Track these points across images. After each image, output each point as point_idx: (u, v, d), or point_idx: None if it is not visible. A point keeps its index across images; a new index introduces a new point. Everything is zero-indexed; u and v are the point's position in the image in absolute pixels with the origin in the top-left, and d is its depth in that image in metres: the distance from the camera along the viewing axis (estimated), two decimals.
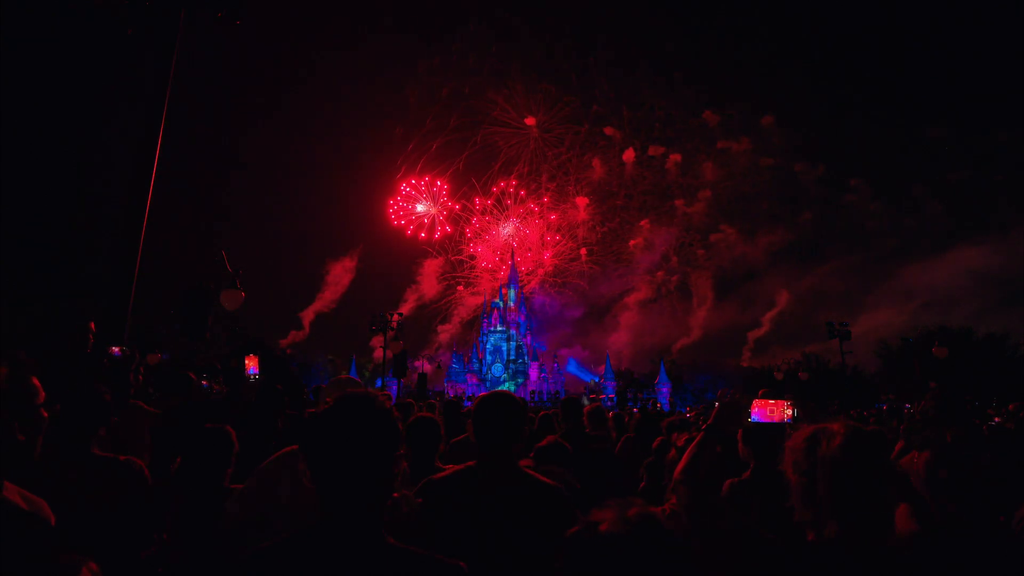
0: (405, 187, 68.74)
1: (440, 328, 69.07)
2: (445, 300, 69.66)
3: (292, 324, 65.92)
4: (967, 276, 59.94)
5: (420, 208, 68.57)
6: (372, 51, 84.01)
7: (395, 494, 1.51)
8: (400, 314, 27.84)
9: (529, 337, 63.63)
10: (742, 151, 69.99)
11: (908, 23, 67.29)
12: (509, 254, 68.03)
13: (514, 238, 69.90)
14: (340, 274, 68.68)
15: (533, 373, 60.59)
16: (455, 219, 70.07)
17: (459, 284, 69.81)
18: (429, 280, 69.75)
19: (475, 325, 66.24)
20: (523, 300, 65.99)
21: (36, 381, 1.33)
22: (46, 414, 1.33)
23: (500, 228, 70.05)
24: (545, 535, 2.22)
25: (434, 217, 69.13)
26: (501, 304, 64.46)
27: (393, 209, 68.56)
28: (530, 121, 70.98)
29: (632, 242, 71.54)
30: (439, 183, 68.89)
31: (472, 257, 70.52)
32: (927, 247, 68.96)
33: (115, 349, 3.78)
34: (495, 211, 70.06)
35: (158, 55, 7.04)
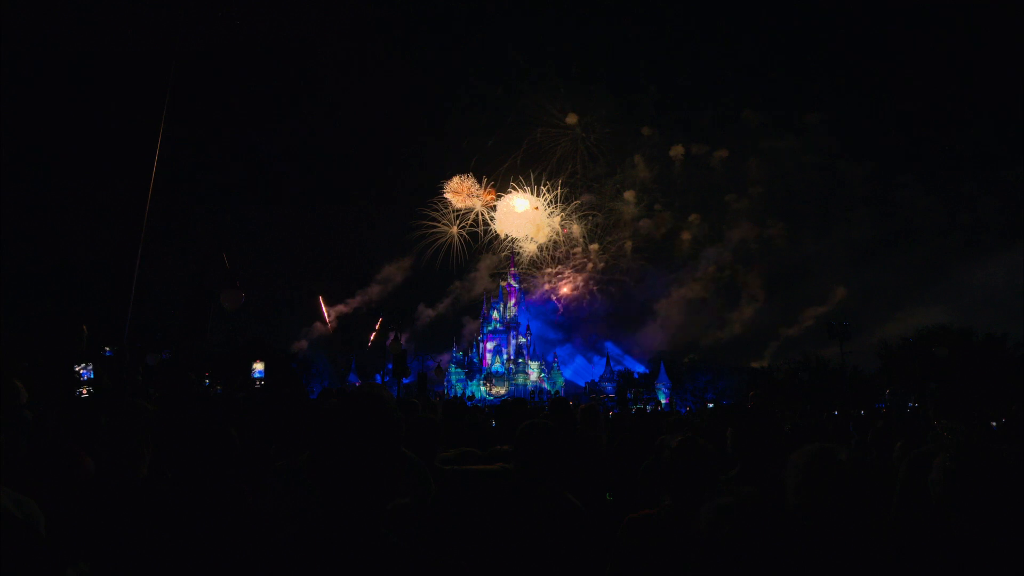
0: (450, 183, 68.70)
1: (464, 320, 69.43)
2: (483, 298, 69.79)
3: (319, 319, 66.47)
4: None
5: (464, 205, 68.55)
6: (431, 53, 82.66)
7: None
8: (400, 315, 27.93)
9: (530, 336, 63.61)
10: (787, 149, 69.18)
11: (955, 19, 65.45)
12: (511, 253, 68.03)
13: (515, 238, 69.80)
14: (391, 272, 69.18)
15: (532, 373, 60.58)
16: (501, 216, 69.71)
17: (502, 280, 69.66)
18: (482, 276, 69.99)
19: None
20: (523, 299, 65.95)
21: (19, 383, 1.33)
22: (30, 414, 1.34)
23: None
24: (565, 555, 2.31)
25: (479, 214, 69.10)
26: (502, 304, 64.45)
27: (435, 207, 68.72)
28: (572, 119, 70.86)
29: (684, 235, 71.38)
30: (485, 179, 68.82)
31: (516, 253, 70.39)
32: (982, 246, 66.48)
33: (106, 348, 3.79)
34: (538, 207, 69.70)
35: (171, 42, 7.04)
